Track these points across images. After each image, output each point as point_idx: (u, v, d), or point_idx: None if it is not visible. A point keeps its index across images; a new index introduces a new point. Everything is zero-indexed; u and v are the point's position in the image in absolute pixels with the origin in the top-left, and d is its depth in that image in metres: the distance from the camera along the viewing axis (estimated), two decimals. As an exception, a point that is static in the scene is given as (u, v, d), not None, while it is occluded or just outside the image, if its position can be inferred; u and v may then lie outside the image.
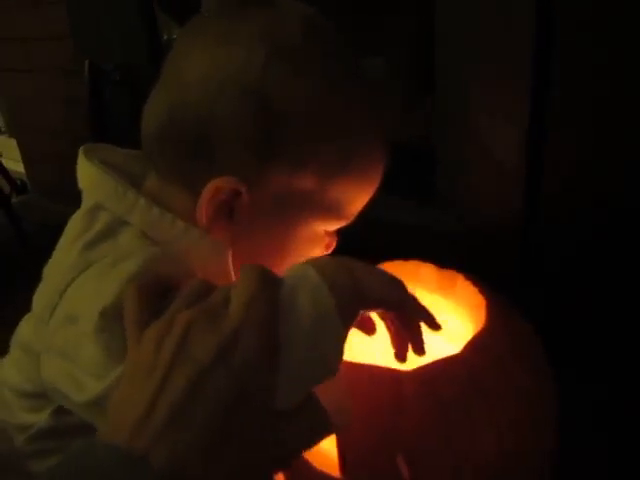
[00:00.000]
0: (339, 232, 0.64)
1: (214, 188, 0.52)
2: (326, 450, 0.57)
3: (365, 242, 0.78)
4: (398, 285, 0.48)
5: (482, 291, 0.66)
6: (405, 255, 0.74)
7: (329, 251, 0.63)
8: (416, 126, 1.03)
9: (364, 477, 0.55)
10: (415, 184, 0.93)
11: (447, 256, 0.73)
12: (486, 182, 0.83)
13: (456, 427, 0.54)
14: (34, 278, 0.57)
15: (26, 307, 0.57)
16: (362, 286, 0.43)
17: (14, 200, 1.89)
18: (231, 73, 0.51)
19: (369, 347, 0.72)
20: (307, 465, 0.58)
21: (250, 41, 0.51)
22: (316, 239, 0.60)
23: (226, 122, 0.51)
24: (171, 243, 0.53)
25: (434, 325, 0.50)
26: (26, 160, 1.99)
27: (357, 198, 0.59)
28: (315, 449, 0.56)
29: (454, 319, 0.71)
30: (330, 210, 0.57)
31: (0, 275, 1.45)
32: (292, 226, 0.57)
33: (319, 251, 0.61)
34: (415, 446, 0.54)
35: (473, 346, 0.58)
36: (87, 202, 0.56)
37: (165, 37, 1.45)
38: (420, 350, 0.51)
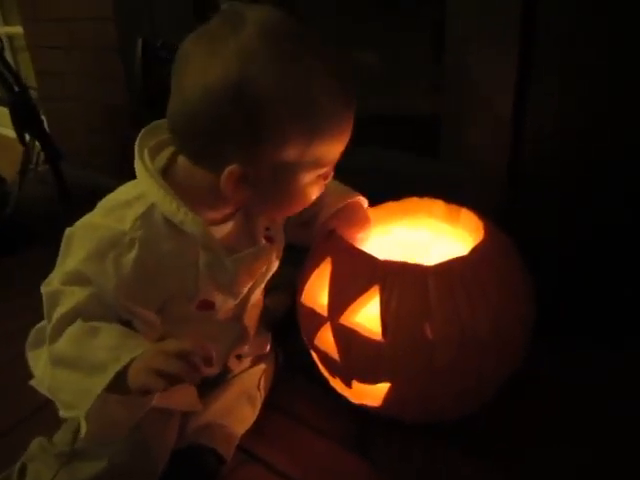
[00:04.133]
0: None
1: (226, 176, 0.70)
2: (369, 323, 0.81)
3: (387, 190, 1.00)
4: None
5: (480, 217, 0.89)
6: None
7: (328, 180, 0.81)
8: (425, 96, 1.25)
9: (400, 338, 0.78)
10: (423, 143, 1.16)
11: (452, 197, 0.96)
12: (481, 133, 1.06)
13: (463, 304, 0.78)
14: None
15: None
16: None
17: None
18: (216, 84, 0.66)
19: (392, 251, 0.95)
20: (356, 333, 0.81)
21: (227, 57, 0.65)
22: (313, 182, 0.77)
23: (222, 123, 0.67)
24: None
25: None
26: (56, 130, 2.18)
27: (333, 151, 0.74)
28: (360, 322, 0.81)
29: (459, 243, 0.94)
30: (316, 164, 0.74)
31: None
32: (292, 181, 0.74)
33: (320, 187, 0.79)
34: (436, 317, 0.77)
35: (476, 251, 0.82)
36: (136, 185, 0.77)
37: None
38: None
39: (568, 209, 1.04)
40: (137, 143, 0.78)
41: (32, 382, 0.80)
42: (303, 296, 0.90)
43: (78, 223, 0.76)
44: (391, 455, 0.90)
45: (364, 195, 0.93)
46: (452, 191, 0.99)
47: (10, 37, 2.81)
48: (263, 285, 0.91)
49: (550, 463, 0.86)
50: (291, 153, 0.70)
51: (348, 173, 0.87)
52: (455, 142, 1.11)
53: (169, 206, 0.72)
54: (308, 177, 0.75)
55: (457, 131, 1.10)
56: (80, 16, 1.79)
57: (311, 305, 0.88)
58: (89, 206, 0.77)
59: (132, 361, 0.64)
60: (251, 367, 0.97)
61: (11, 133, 1.91)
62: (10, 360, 0.94)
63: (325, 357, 0.88)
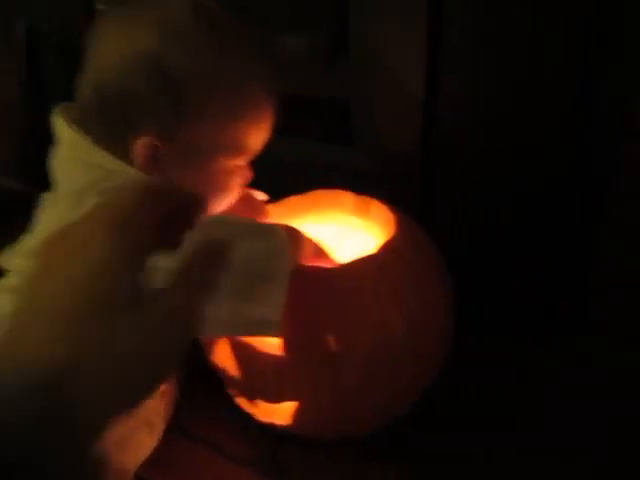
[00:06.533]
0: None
1: (138, 148, 0.67)
2: (270, 335, 0.71)
3: (293, 181, 0.91)
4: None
5: (392, 210, 0.80)
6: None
7: (247, 181, 0.79)
8: (333, 83, 1.15)
9: (302, 353, 0.69)
10: (333, 130, 1.07)
11: (361, 190, 0.87)
12: (390, 122, 0.98)
13: (373, 311, 0.69)
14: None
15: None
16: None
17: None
18: (135, 54, 0.64)
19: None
20: (254, 348, 0.71)
21: (148, 27, 0.65)
22: (231, 172, 0.74)
23: (137, 94, 0.65)
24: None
25: None
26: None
27: (253, 138, 0.73)
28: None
29: (370, 237, 0.85)
30: (234, 149, 0.72)
31: None
32: (207, 165, 0.71)
33: (238, 182, 0.77)
34: (341, 326, 0.68)
35: (385, 248, 0.73)
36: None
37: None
38: None
39: (481, 199, 0.97)
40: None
41: None
42: (198, 306, 0.80)
43: None
44: (309, 477, 0.80)
45: (262, 189, 0.84)
46: (365, 181, 0.91)
47: None
48: None
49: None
50: (208, 133, 0.69)
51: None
52: (364, 128, 1.02)
53: None
54: (225, 164, 0.72)
55: (365, 116, 1.01)
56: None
57: (206, 316, 0.78)
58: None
59: None
60: None
61: None
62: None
63: (225, 374, 0.78)
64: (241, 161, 0.75)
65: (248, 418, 0.84)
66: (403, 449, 0.81)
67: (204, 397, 0.91)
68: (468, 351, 0.85)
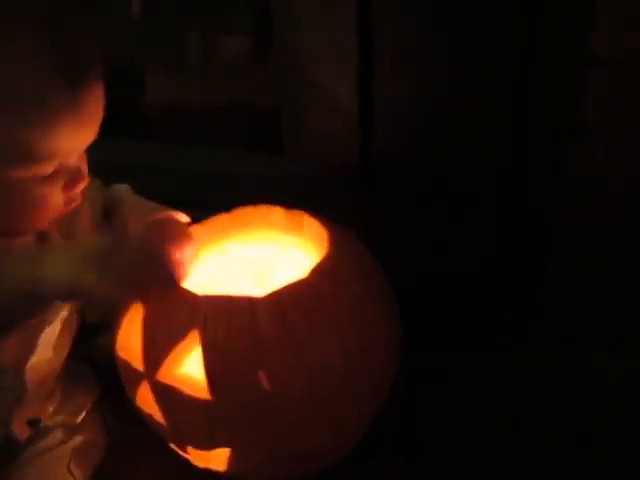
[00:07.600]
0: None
1: None
2: (195, 376, 0.63)
3: (215, 194, 0.84)
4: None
5: (325, 225, 0.73)
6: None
7: (75, 188, 0.63)
8: (262, 85, 1.08)
9: (231, 394, 0.62)
10: (262, 139, 0.99)
11: (295, 203, 0.80)
12: (326, 130, 0.91)
13: (306, 343, 0.62)
14: None
15: None
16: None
17: None
18: None
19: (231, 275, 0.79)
20: (178, 392, 0.63)
21: None
22: (35, 185, 0.59)
23: None
24: None
25: None
26: None
27: (45, 140, 0.56)
28: (184, 376, 0.63)
29: (305, 255, 0.78)
30: (16, 156, 0.56)
31: None
32: None
33: (56, 193, 0.61)
34: (272, 362, 0.61)
35: (317, 271, 0.66)
36: None
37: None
38: None
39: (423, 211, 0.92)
40: None
41: None
42: (117, 345, 0.72)
43: None
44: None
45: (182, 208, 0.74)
46: (300, 193, 0.85)
47: None
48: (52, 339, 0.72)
49: None
50: None
51: (168, 180, 0.72)
52: (296, 135, 0.95)
53: None
54: (15, 172, 0.56)
55: (296, 122, 0.94)
56: None
57: (126, 357, 0.70)
58: None
59: None
60: (63, 442, 0.75)
61: None
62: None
63: (151, 420, 0.70)
64: (42, 170, 0.58)
65: (188, 462, 0.76)
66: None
67: (137, 441, 0.83)
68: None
